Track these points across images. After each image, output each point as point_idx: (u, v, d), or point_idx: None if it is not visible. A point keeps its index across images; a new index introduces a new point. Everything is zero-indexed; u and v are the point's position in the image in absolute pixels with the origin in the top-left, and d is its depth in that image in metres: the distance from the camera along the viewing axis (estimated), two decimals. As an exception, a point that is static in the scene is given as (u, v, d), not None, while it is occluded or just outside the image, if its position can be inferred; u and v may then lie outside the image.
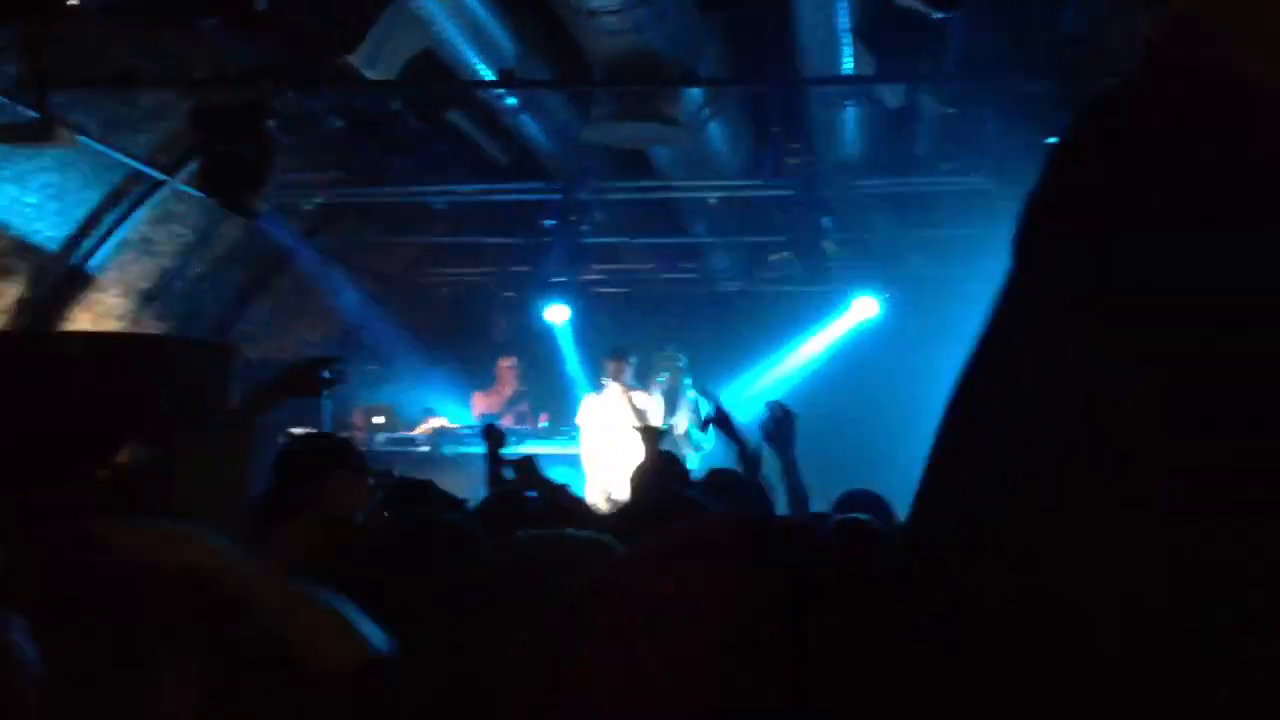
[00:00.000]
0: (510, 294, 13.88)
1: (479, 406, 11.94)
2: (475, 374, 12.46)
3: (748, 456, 5.16)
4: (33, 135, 7.61)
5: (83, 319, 9.72)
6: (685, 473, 5.22)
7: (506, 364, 12.16)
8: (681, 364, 10.22)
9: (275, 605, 1.80)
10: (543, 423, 11.81)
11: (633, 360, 10.14)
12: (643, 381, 10.22)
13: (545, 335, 13.50)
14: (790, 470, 4.84)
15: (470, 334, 13.74)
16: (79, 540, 2.23)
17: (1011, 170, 8.52)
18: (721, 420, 5.60)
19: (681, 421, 9.96)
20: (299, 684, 1.71)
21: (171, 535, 1.81)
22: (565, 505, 4.43)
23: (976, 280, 12.40)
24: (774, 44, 8.40)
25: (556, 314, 12.81)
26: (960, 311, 10.08)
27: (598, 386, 10.41)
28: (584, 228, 10.31)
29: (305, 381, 4.00)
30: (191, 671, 2.08)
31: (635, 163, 10.23)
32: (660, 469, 5.04)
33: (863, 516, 3.37)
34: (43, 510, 3.11)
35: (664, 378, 10.14)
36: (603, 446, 9.90)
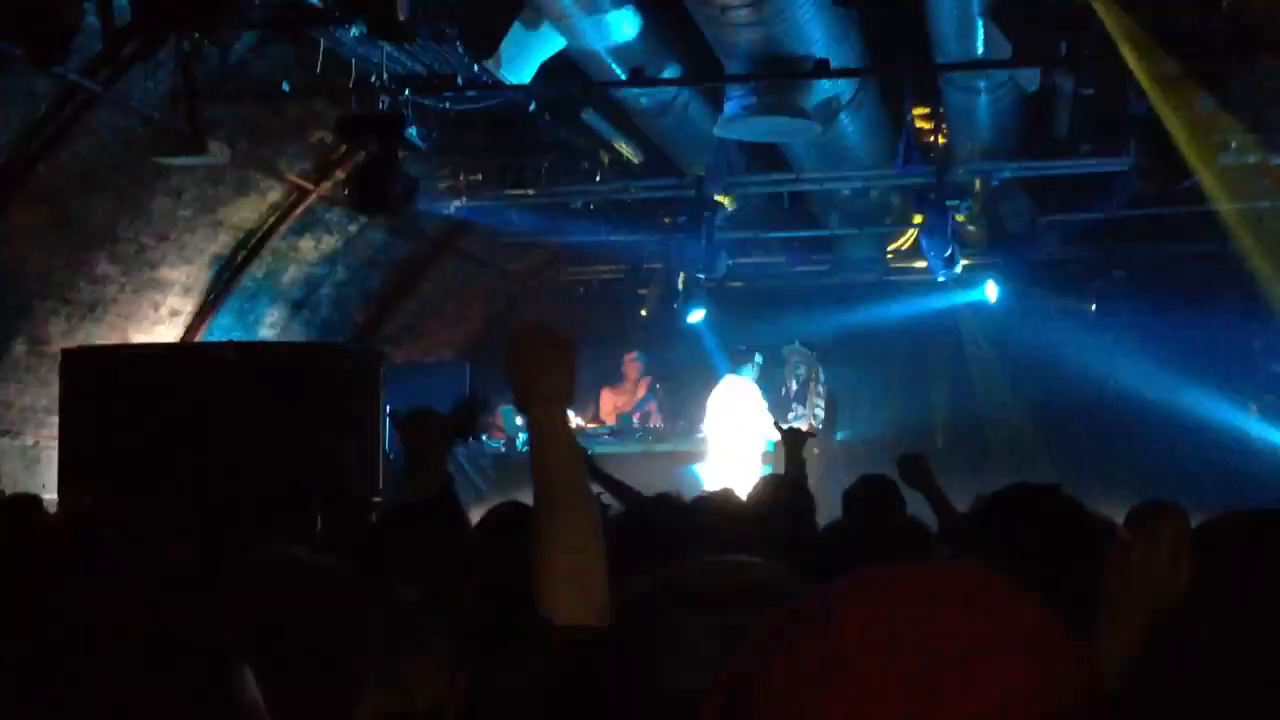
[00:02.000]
0: (643, 291, 13.95)
1: (607, 404, 11.98)
2: (604, 372, 12.49)
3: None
4: (186, 148, 7.91)
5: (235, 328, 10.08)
6: (812, 506, 4.63)
7: (631, 358, 12.14)
8: (813, 360, 10.21)
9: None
10: (657, 424, 11.79)
11: (759, 359, 10.18)
12: (770, 379, 10.24)
13: (679, 333, 13.57)
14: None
15: (603, 333, 13.85)
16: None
17: (1152, 151, 8.30)
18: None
19: (809, 420, 9.96)
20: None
21: None
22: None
23: (1115, 264, 12.17)
24: (907, 32, 8.32)
25: (694, 316, 12.90)
26: (1096, 294, 9.84)
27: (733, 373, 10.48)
28: (718, 223, 10.31)
29: (470, 423, 4.18)
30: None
31: (769, 157, 10.22)
32: (796, 487, 4.77)
33: None
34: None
35: (800, 371, 10.12)
36: (728, 435, 10.00)
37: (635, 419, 11.55)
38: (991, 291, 12.73)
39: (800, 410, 10.00)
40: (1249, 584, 1.81)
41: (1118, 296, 12.70)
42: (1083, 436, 11.94)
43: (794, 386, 10.08)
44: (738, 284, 13.79)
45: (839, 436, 11.22)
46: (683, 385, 13.43)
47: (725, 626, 1.31)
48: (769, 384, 10.39)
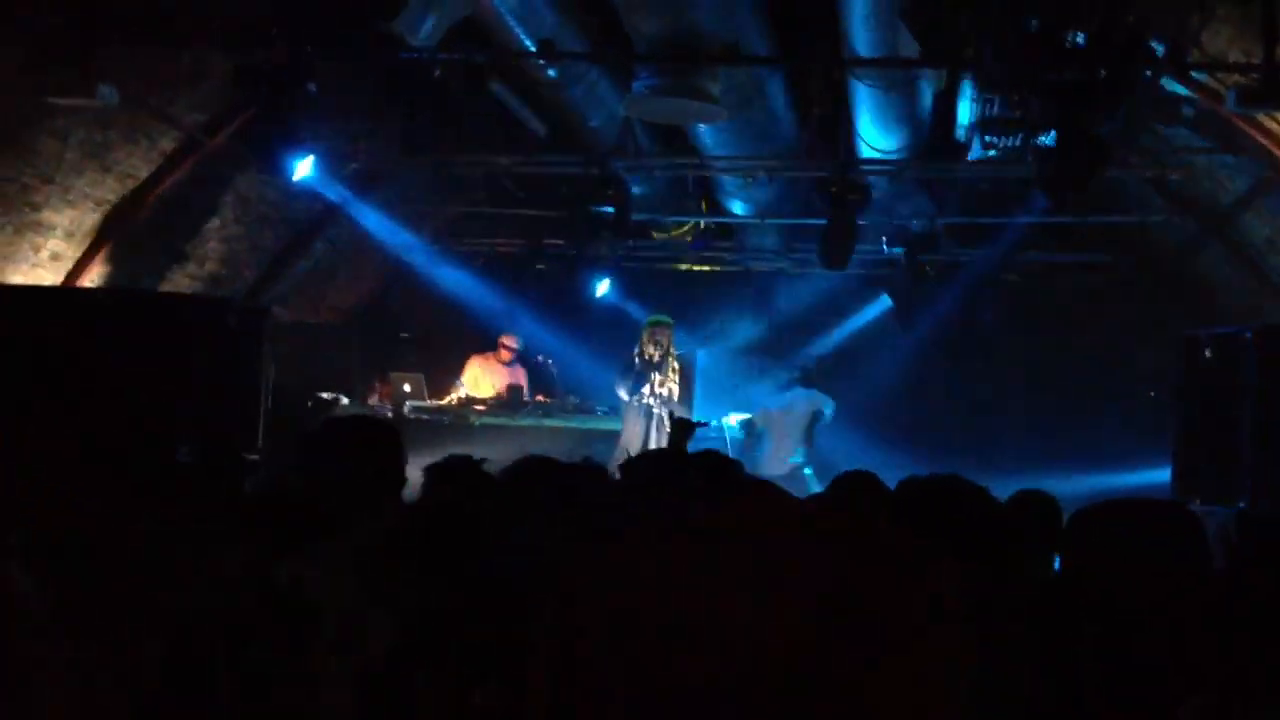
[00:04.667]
0: (543, 265, 13.87)
1: (472, 371, 11.80)
2: (485, 345, 12.33)
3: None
4: (73, 90, 7.67)
5: (119, 276, 9.79)
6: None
7: (509, 340, 11.97)
8: (673, 332, 10.36)
9: None
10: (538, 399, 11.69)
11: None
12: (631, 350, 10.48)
13: (581, 308, 13.53)
14: None
15: (494, 306, 13.74)
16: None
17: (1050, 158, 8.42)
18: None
19: (670, 386, 10.10)
20: None
21: None
22: None
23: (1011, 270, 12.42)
24: (818, 25, 8.34)
25: (602, 287, 12.92)
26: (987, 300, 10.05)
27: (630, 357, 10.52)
28: (622, 203, 10.26)
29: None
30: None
31: (675, 139, 10.20)
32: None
33: None
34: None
35: (660, 340, 10.26)
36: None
37: (505, 393, 11.50)
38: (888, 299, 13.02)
39: (657, 378, 10.13)
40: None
41: (1008, 302, 12.96)
42: (956, 429, 12.16)
43: (655, 356, 10.19)
44: (640, 264, 13.80)
45: (725, 423, 11.26)
46: (580, 363, 13.40)
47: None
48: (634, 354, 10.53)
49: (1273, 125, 8.06)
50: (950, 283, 12.72)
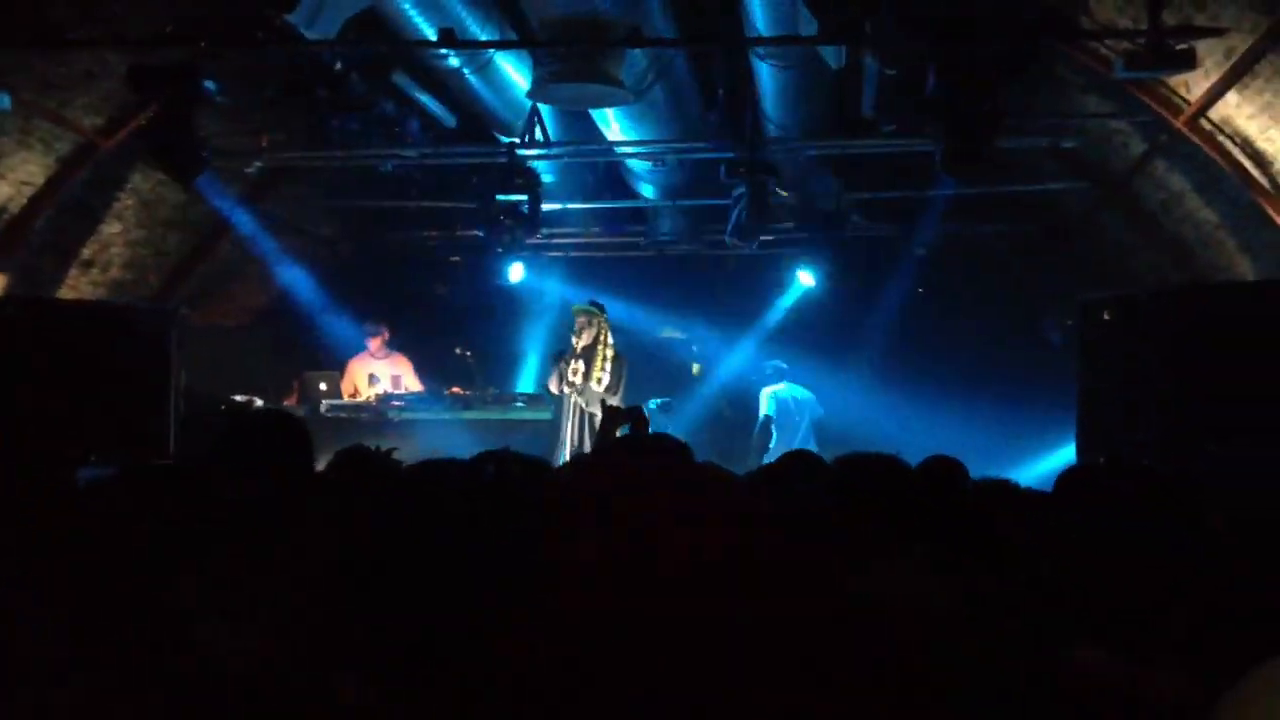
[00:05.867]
0: (456, 258, 13.81)
1: (359, 372, 11.69)
2: (410, 340, 12.24)
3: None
4: (-37, 95, 7.48)
5: (19, 285, 9.56)
6: None
7: (379, 337, 11.82)
8: (604, 317, 10.28)
9: None
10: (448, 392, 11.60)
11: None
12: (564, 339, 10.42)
13: (492, 298, 13.50)
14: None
15: (415, 300, 13.64)
16: None
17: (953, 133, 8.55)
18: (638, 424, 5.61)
19: (599, 377, 10.02)
20: None
21: None
22: None
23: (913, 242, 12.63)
24: (720, 6, 8.38)
25: (515, 272, 12.84)
26: (893, 271, 10.25)
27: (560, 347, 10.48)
28: (532, 191, 10.21)
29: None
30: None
31: (582, 125, 10.18)
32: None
33: None
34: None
35: (592, 328, 10.18)
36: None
37: (388, 387, 11.41)
38: (806, 278, 13.08)
39: (582, 367, 10.06)
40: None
41: (918, 275, 13.14)
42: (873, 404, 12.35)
43: (578, 346, 10.13)
44: (554, 254, 13.79)
45: (652, 405, 11.29)
46: (496, 354, 13.37)
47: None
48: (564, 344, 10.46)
49: (1163, 90, 8.26)
50: (869, 258, 12.94)
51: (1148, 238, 10.55)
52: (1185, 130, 8.28)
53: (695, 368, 12.92)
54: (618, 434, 5.68)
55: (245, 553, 2.39)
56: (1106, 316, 8.05)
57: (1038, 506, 3.34)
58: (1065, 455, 9.21)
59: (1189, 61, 7.10)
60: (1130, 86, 8.32)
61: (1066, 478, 3.13)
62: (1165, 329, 7.59)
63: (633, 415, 5.73)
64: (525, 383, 13.55)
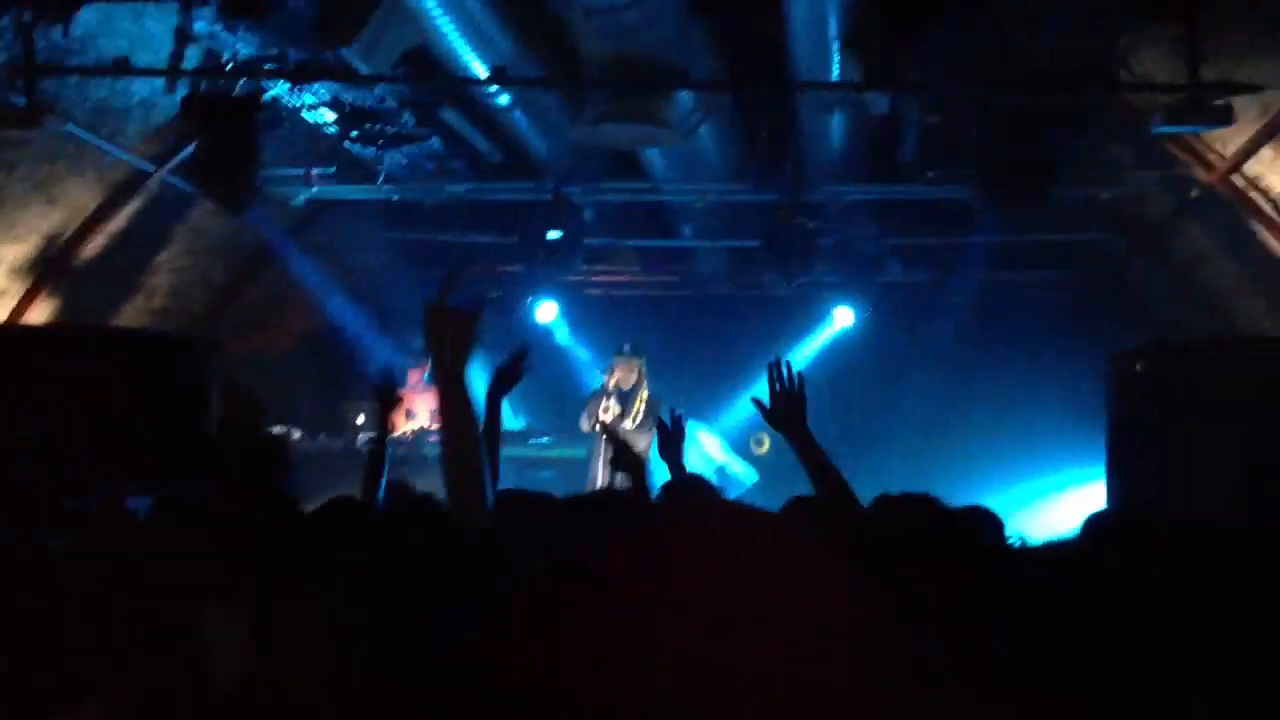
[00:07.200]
0: (498, 294, 13.87)
1: (416, 405, 11.77)
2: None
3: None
4: (20, 121, 7.59)
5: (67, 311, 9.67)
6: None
7: (415, 372, 11.93)
8: (643, 364, 10.33)
9: None
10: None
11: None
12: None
13: (531, 336, 13.54)
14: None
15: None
16: None
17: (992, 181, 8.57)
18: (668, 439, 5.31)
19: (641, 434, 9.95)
20: None
21: None
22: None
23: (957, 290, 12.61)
24: (765, 51, 8.44)
25: (546, 312, 12.89)
26: (935, 319, 10.18)
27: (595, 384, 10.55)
28: (574, 229, 10.30)
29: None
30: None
31: (627, 165, 10.26)
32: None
33: None
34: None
35: (631, 374, 10.24)
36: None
37: (425, 423, 11.52)
38: (845, 317, 13.06)
39: (618, 408, 10.13)
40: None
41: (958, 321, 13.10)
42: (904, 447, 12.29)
43: (622, 387, 10.20)
44: (594, 292, 13.85)
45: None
46: (531, 390, 13.38)
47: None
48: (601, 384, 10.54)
49: (1199, 145, 8.26)
50: (906, 303, 12.93)
51: (1179, 289, 10.53)
52: (1218, 185, 8.28)
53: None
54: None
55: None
56: (1138, 367, 8.00)
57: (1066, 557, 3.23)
58: (1091, 496, 9.18)
59: (1226, 117, 7.10)
60: (1165, 140, 8.31)
61: (1096, 524, 3.10)
62: (1197, 381, 7.54)
63: (634, 465, 5.31)
64: (557, 419, 13.59)
